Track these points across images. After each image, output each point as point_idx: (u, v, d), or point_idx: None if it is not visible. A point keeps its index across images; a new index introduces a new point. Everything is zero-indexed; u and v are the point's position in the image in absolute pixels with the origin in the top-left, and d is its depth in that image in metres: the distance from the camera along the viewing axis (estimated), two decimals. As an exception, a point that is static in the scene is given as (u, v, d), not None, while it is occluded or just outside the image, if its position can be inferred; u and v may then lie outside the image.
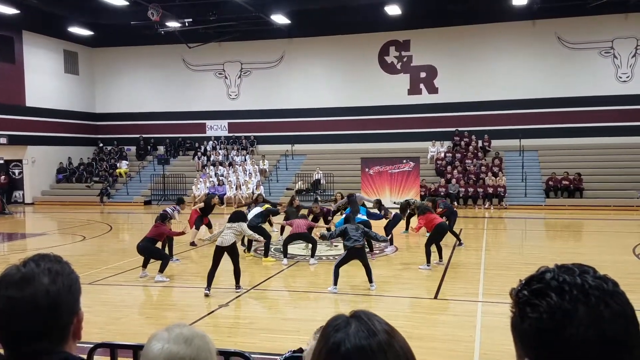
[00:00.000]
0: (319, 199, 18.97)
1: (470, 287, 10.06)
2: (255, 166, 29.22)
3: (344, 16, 27.91)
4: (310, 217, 14.55)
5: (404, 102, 29.54)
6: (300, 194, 18.23)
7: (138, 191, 29.64)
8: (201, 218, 15.25)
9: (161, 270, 10.83)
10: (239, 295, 9.71)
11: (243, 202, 24.13)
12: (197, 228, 15.19)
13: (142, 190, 29.64)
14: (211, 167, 29.74)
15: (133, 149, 33.24)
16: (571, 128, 27.26)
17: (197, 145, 32.40)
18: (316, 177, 27.44)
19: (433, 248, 11.80)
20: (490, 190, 24.69)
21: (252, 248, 13.77)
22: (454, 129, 28.71)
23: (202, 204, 15.57)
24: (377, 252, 13.56)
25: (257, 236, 11.10)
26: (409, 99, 29.57)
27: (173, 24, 27.97)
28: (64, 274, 1.60)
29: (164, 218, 11.71)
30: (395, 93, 29.58)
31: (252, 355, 4.05)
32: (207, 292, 9.58)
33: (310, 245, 12.88)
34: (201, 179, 28.12)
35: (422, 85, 29.57)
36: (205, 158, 31.00)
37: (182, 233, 12.25)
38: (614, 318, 1.10)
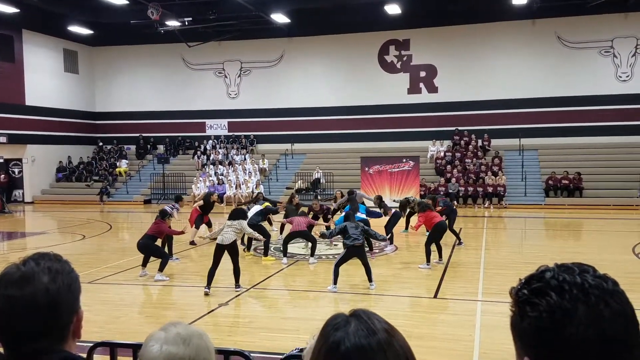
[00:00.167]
0: (319, 197, 18.96)
1: (470, 287, 10.06)
2: (255, 165, 29.21)
3: (343, 15, 27.92)
4: (310, 215, 14.54)
5: (403, 101, 29.54)
6: (300, 193, 18.18)
7: (138, 190, 29.64)
8: (201, 217, 15.25)
9: (161, 269, 10.83)
10: (239, 295, 9.71)
11: (243, 201, 24.13)
12: (197, 227, 15.19)
13: (142, 189, 29.65)
14: (211, 166, 29.74)
15: (133, 148, 33.24)
16: (571, 127, 27.26)
17: (196, 144, 32.41)
18: (316, 176, 27.45)
19: (433, 247, 11.80)
20: (490, 189, 24.69)
21: (252, 247, 13.76)
22: (453, 128, 28.71)
23: (201, 202, 15.57)
24: (377, 251, 13.56)
25: (256, 234, 11.10)
26: (409, 98, 29.57)
27: (173, 23, 27.97)
28: (64, 273, 1.60)
29: (163, 215, 11.69)
30: (395, 92, 29.58)
31: (252, 355, 4.05)
32: (207, 290, 9.58)
33: (310, 244, 12.89)
34: (201, 178, 28.12)
35: (421, 85, 29.57)
36: (205, 157, 31.00)
37: (182, 232, 12.23)
38: (613, 317, 1.10)
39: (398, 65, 29.82)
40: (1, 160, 29.63)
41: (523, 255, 13.51)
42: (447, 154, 27.66)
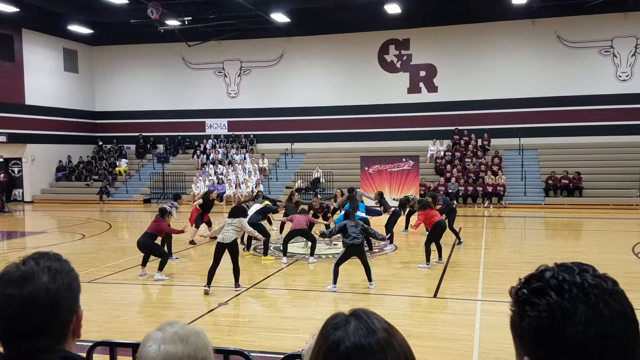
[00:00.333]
0: (319, 195, 18.96)
1: (470, 286, 10.06)
2: (255, 165, 29.22)
3: (343, 15, 27.91)
4: (310, 213, 14.54)
5: (403, 100, 29.54)
6: (300, 193, 18.19)
7: (137, 189, 29.64)
8: (201, 216, 15.25)
9: (160, 268, 10.82)
10: (239, 294, 9.71)
11: (242, 200, 24.12)
12: (197, 226, 15.19)
13: (142, 188, 29.65)
14: (211, 166, 29.74)
15: (133, 147, 33.24)
16: (571, 127, 27.27)
17: (196, 143, 32.41)
18: (316, 176, 27.45)
19: (433, 247, 11.80)
20: (490, 189, 24.70)
21: (251, 247, 13.76)
22: (453, 128, 28.71)
23: (200, 200, 15.57)
24: (377, 250, 13.56)
25: (256, 233, 11.10)
26: (409, 97, 29.57)
27: (173, 23, 27.97)
28: (64, 272, 1.60)
29: (163, 213, 11.68)
30: (395, 92, 29.58)
31: (252, 354, 4.05)
32: (207, 289, 9.60)
33: (309, 244, 12.89)
34: (201, 178, 28.12)
35: (421, 84, 29.57)
36: (205, 156, 31.00)
37: (182, 231, 12.19)
38: (613, 317, 1.10)
39: (398, 65, 29.82)
40: (1, 160, 29.63)
41: (523, 255, 13.51)
42: (446, 153, 27.66)
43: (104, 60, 33.72)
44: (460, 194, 24.91)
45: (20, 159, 30.08)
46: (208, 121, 32.71)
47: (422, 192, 23.52)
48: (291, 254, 13.00)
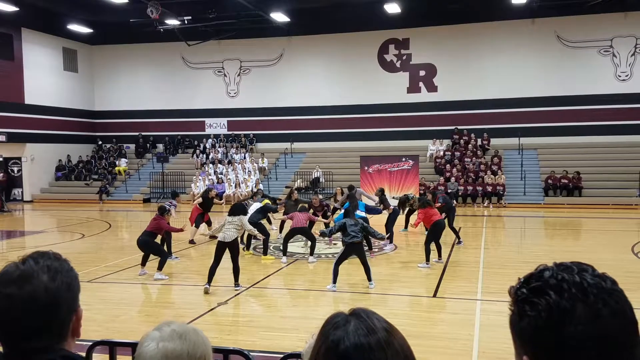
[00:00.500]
0: (320, 196, 18.94)
1: (469, 286, 10.06)
2: (255, 164, 29.21)
3: (343, 14, 27.91)
4: (311, 211, 14.54)
5: (403, 100, 29.54)
6: (300, 192, 18.21)
7: (137, 189, 29.63)
8: (202, 216, 15.25)
9: (159, 268, 10.82)
10: (238, 294, 9.71)
11: (242, 199, 24.11)
12: (197, 226, 15.19)
13: (141, 188, 29.64)
14: (210, 165, 29.74)
15: (132, 146, 33.24)
16: (570, 127, 27.27)
17: (196, 143, 32.40)
18: (315, 175, 27.45)
19: (432, 247, 11.81)
20: (490, 188, 24.70)
21: (251, 246, 13.76)
22: (453, 128, 28.71)
23: (200, 199, 15.56)
24: (377, 250, 13.56)
25: (256, 232, 11.11)
26: (408, 97, 29.57)
27: (172, 22, 27.97)
28: (63, 272, 1.60)
29: (162, 211, 11.66)
30: (395, 91, 29.58)
31: (252, 354, 4.05)
32: (207, 287, 9.63)
33: (309, 243, 12.88)
34: (200, 177, 28.12)
35: (421, 84, 29.57)
36: (205, 156, 31.00)
37: (181, 230, 12.12)
38: (612, 316, 1.10)
39: (397, 65, 29.81)
40: (0, 159, 29.61)
41: (522, 255, 13.52)
42: (446, 153, 27.66)
43: (103, 60, 33.71)
44: (460, 193, 24.92)
45: (19, 159, 30.07)
46: (208, 121, 32.70)
47: (421, 192, 23.50)
48: (291, 254, 13.00)
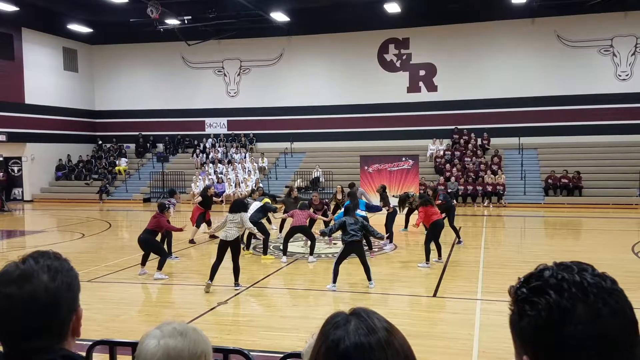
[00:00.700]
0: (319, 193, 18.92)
1: (469, 285, 10.06)
2: (255, 164, 29.22)
3: (343, 14, 27.91)
4: (311, 209, 14.52)
5: (403, 100, 29.54)
6: (300, 192, 18.21)
7: (137, 189, 29.64)
8: (203, 216, 15.25)
9: (159, 267, 10.81)
10: (238, 293, 9.71)
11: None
12: (198, 226, 15.18)
13: (142, 187, 29.65)
14: (210, 165, 29.74)
15: (132, 146, 33.25)
16: (570, 126, 27.27)
17: (196, 142, 32.40)
18: (315, 175, 27.45)
19: (432, 246, 11.80)
20: (490, 188, 24.70)
21: (251, 246, 13.75)
22: (453, 127, 28.72)
23: (199, 198, 15.56)
24: (377, 250, 13.56)
25: (256, 230, 11.11)
26: (408, 96, 29.57)
27: (172, 22, 27.97)
28: (63, 271, 1.60)
29: (162, 208, 11.64)
30: (395, 91, 29.58)
31: (252, 353, 4.06)
32: (210, 283, 9.67)
33: (309, 243, 12.88)
34: (200, 177, 28.12)
35: (421, 83, 29.57)
36: (205, 156, 31.00)
37: (181, 229, 12.10)
38: (612, 316, 1.10)
39: (397, 64, 29.82)
40: (0, 159, 29.62)
41: (522, 254, 13.52)
42: (446, 152, 27.66)
43: (103, 60, 33.71)
44: (460, 193, 24.92)
45: (20, 158, 30.07)
46: (208, 120, 32.71)
47: (421, 191, 23.51)
48: (291, 253, 13.00)
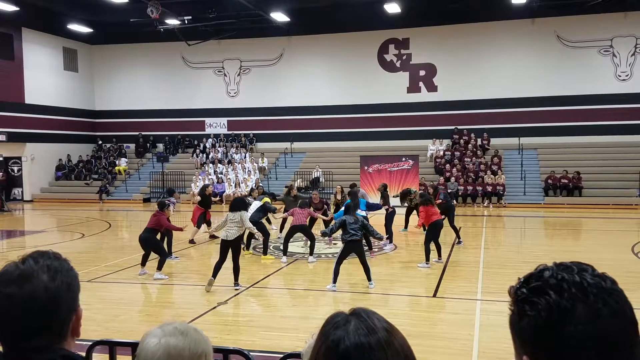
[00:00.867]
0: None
1: (469, 286, 10.06)
2: (255, 164, 29.22)
3: (343, 14, 27.91)
4: (311, 208, 14.50)
5: (403, 100, 29.54)
6: (300, 192, 18.20)
7: (137, 189, 29.64)
8: (204, 216, 15.25)
9: (159, 267, 10.80)
10: (238, 293, 9.71)
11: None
12: (199, 226, 15.18)
13: (141, 187, 29.65)
14: (210, 165, 29.74)
15: (132, 146, 33.25)
16: (570, 126, 27.28)
17: (196, 142, 32.40)
18: (315, 175, 27.45)
19: (432, 246, 11.80)
20: (490, 188, 24.70)
21: (251, 246, 13.75)
22: (453, 127, 28.72)
23: (198, 198, 15.57)
24: (377, 250, 13.55)
25: (255, 230, 11.10)
26: (408, 97, 29.58)
27: (172, 22, 27.97)
28: (63, 271, 1.60)
29: (162, 206, 11.62)
30: (395, 91, 29.59)
31: (251, 353, 4.05)
32: (212, 279, 9.71)
33: (309, 243, 12.88)
34: (200, 177, 28.11)
35: (421, 84, 29.57)
36: (205, 156, 31.00)
37: (181, 229, 12.10)
38: (612, 316, 1.10)
39: (397, 64, 29.82)
40: (0, 159, 29.62)
41: (522, 255, 13.52)
42: (446, 153, 27.67)
43: (103, 60, 33.71)
44: (460, 193, 24.92)
45: (19, 158, 30.08)
46: (208, 120, 32.71)
47: (421, 191, 23.51)
48: (291, 254, 12.99)
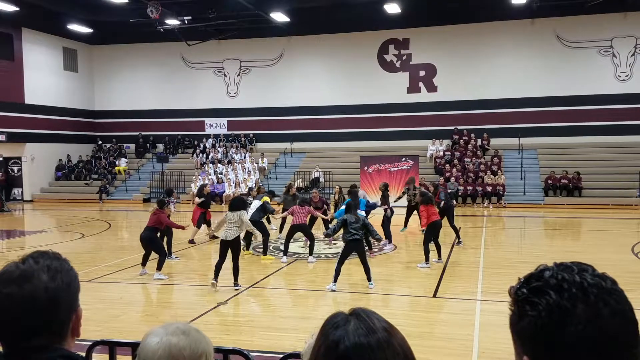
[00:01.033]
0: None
1: (469, 286, 10.06)
2: (255, 164, 29.21)
3: (343, 14, 27.89)
4: (311, 207, 14.47)
5: (403, 100, 29.54)
6: (300, 192, 18.21)
7: (137, 189, 29.64)
8: (204, 216, 15.25)
9: (158, 268, 10.79)
10: (238, 293, 9.71)
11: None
12: (199, 227, 15.19)
13: (141, 187, 29.65)
14: (210, 165, 29.74)
15: (132, 146, 33.24)
16: (570, 127, 27.28)
17: (196, 143, 32.40)
18: (315, 175, 27.45)
19: (432, 246, 11.81)
20: (489, 188, 24.70)
21: (251, 246, 13.74)
22: (453, 128, 28.72)
23: (199, 200, 15.56)
24: (377, 250, 13.55)
25: (255, 230, 11.09)
26: (408, 97, 29.58)
27: (172, 22, 27.96)
28: (63, 271, 1.60)
29: (161, 204, 11.60)
30: (395, 91, 29.59)
31: (251, 354, 4.05)
32: (215, 282, 9.69)
33: (308, 243, 12.88)
34: (200, 177, 28.11)
35: (421, 84, 29.57)
36: (205, 156, 31.00)
37: (182, 227, 12.06)
38: (612, 316, 1.10)
39: (397, 65, 29.82)
40: (0, 159, 29.61)
41: (522, 255, 13.52)
42: (446, 153, 27.67)
43: (103, 60, 33.71)
44: (460, 193, 24.92)
45: (19, 158, 30.07)
46: (208, 120, 32.70)
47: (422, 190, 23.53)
48: (291, 254, 12.98)
